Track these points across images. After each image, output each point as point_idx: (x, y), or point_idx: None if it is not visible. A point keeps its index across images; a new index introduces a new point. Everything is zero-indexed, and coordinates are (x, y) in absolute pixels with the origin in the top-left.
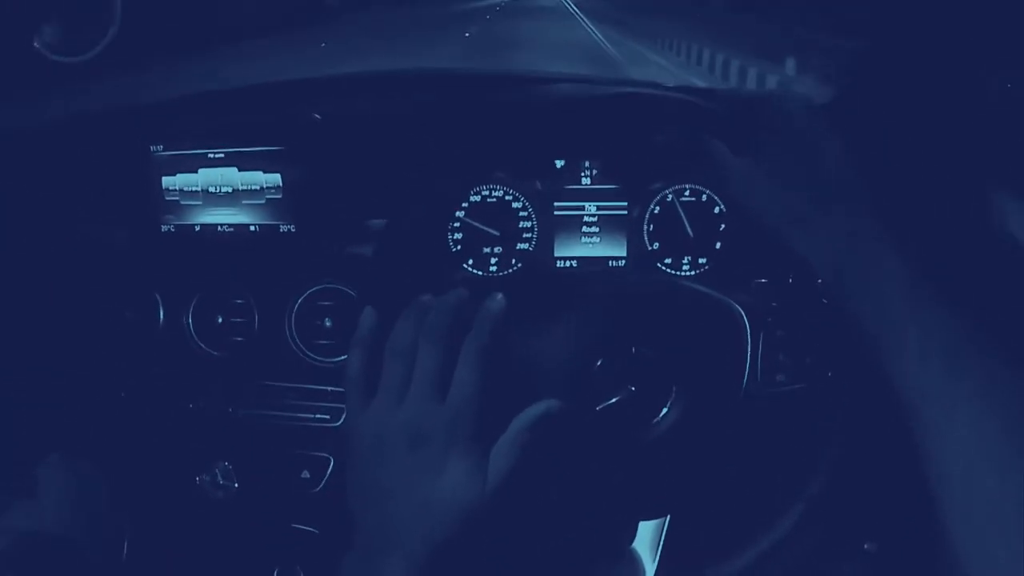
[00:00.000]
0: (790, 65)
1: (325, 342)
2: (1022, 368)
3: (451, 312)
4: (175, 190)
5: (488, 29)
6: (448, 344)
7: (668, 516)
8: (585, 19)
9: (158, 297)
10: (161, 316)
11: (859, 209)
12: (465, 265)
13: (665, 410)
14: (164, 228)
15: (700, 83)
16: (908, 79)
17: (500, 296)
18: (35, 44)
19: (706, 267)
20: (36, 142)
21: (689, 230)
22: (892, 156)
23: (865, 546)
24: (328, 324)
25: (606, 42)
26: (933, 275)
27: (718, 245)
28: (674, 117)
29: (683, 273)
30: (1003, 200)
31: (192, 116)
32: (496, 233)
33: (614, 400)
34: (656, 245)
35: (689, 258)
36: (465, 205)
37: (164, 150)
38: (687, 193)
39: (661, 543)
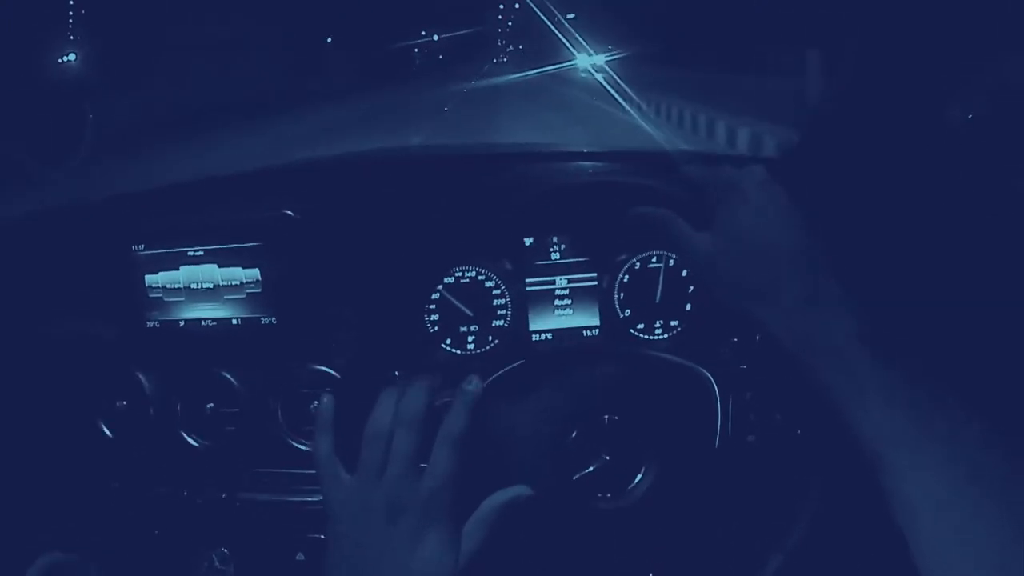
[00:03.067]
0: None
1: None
2: (984, 414)
3: (424, 396)
4: (158, 287)
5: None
6: (422, 427)
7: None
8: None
9: (148, 390)
10: (151, 409)
11: (816, 276)
12: (444, 345)
13: (640, 476)
14: (149, 324)
15: (674, 142)
16: (867, 131)
17: (476, 379)
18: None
19: (678, 329)
20: (19, 238)
21: (658, 294)
22: (849, 215)
23: None
24: (315, 408)
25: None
26: (893, 329)
27: (688, 307)
28: (636, 197)
29: (656, 337)
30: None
31: (170, 214)
32: (470, 313)
33: (590, 469)
34: (628, 312)
35: (661, 322)
36: (440, 287)
37: (145, 249)
38: (654, 260)
39: None
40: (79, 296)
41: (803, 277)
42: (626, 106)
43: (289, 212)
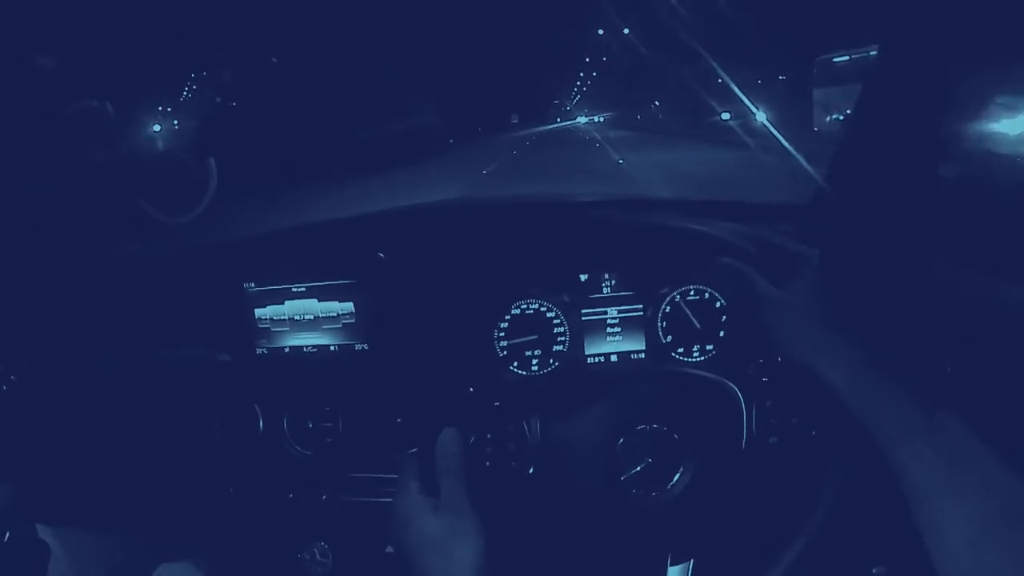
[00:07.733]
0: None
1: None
2: (1016, 461)
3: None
4: (266, 319)
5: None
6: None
7: (692, 560)
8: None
9: (257, 408)
10: (261, 424)
11: (877, 337)
12: (511, 367)
13: (677, 475)
14: (259, 350)
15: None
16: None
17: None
18: (140, 205)
19: (713, 352)
20: (151, 276)
21: (696, 324)
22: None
23: (874, 571)
24: (400, 422)
25: None
26: (940, 386)
27: (722, 333)
28: (699, 246)
29: (694, 359)
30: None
31: (276, 257)
32: (535, 337)
33: (637, 470)
34: (669, 338)
35: (698, 346)
36: (508, 317)
37: (256, 287)
38: (692, 293)
39: None
40: (199, 326)
41: (867, 338)
42: None
43: (380, 254)
